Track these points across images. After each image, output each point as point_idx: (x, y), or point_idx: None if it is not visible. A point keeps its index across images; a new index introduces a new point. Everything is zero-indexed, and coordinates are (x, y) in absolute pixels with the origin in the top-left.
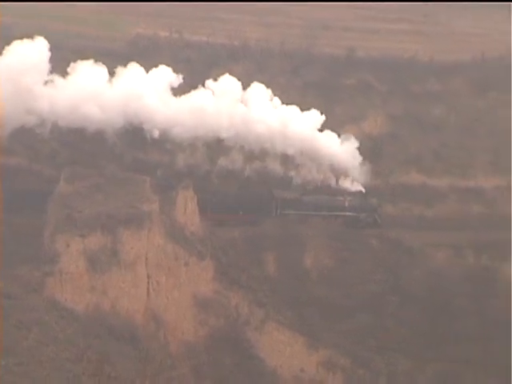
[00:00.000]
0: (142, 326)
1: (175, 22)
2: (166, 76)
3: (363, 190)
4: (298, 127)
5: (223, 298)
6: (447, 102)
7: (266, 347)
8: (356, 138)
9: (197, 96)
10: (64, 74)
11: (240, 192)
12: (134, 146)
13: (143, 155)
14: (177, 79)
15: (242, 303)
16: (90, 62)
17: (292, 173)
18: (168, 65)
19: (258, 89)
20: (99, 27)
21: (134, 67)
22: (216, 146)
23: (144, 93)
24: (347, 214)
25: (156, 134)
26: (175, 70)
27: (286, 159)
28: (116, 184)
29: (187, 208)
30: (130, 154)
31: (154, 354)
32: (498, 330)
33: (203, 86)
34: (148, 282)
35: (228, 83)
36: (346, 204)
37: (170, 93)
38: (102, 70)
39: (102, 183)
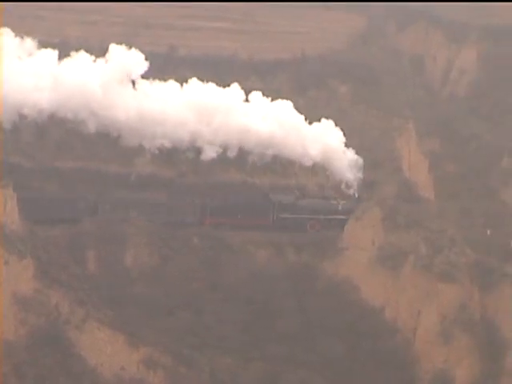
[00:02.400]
0: None
1: None
2: None
3: (356, 194)
4: None
5: (44, 296)
6: None
7: (87, 346)
8: None
9: None
10: None
11: (238, 196)
12: None
13: None
14: None
15: (62, 302)
16: None
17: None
18: None
19: None
20: None
21: None
22: None
23: None
24: (341, 217)
25: None
26: None
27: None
28: None
29: (7, 207)
30: None
31: None
32: (319, 329)
33: None
34: None
35: None
36: (340, 207)
37: None
38: None
39: None
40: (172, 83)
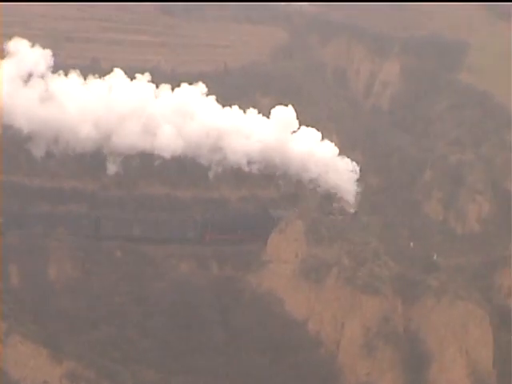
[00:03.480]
0: None
1: None
2: None
3: (353, 210)
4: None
5: None
6: None
7: (10, 360)
8: None
9: None
10: None
11: (238, 212)
12: None
13: None
14: None
15: None
16: None
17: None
18: None
19: None
20: None
21: None
22: None
23: None
24: None
25: None
26: None
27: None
28: None
29: None
30: None
31: None
32: (242, 341)
33: None
34: None
35: None
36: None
37: None
38: None
39: None
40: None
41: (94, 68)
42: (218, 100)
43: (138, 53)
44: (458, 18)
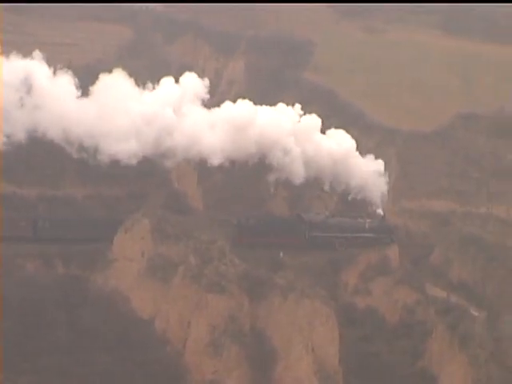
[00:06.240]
0: None
1: None
2: None
3: (381, 213)
4: None
5: None
6: None
7: None
8: None
9: None
10: None
11: (271, 216)
12: None
13: None
14: None
15: None
16: None
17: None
18: None
19: None
20: None
21: None
22: None
23: None
24: (367, 235)
25: None
26: None
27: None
28: None
29: None
30: None
31: None
32: (89, 340)
33: None
34: None
35: None
36: (367, 226)
37: None
38: None
39: None
40: None
41: None
42: None
43: None
44: (304, 17)
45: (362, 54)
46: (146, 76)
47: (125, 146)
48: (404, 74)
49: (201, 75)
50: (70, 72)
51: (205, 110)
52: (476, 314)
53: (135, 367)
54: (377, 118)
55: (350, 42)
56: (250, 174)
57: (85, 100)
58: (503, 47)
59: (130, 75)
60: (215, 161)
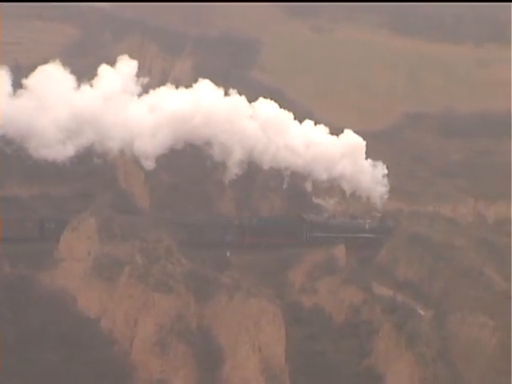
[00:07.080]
0: None
1: None
2: None
3: (380, 213)
4: None
5: None
6: None
7: None
8: None
9: None
10: None
11: (273, 216)
12: None
13: None
14: None
15: None
16: None
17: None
18: None
19: None
20: None
21: None
22: None
23: None
24: (367, 235)
25: None
26: None
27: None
28: None
29: None
30: None
31: None
32: (35, 340)
33: None
34: None
35: None
36: (367, 226)
37: None
38: None
39: None
40: None
41: None
42: None
43: None
44: (251, 16)
45: (310, 53)
46: (91, 74)
47: (62, 144)
48: (351, 73)
49: (147, 74)
50: (5, 68)
51: (145, 102)
52: (422, 312)
53: (82, 366)
54: (324, 117)
55: (298, 41)
56: (197, 173)
57: (20, 97)
58: (450, 47)
59: (75, 73)
60: (157, 152)
